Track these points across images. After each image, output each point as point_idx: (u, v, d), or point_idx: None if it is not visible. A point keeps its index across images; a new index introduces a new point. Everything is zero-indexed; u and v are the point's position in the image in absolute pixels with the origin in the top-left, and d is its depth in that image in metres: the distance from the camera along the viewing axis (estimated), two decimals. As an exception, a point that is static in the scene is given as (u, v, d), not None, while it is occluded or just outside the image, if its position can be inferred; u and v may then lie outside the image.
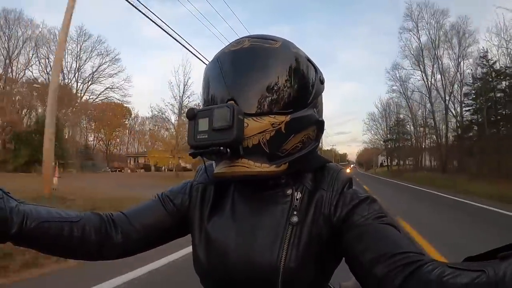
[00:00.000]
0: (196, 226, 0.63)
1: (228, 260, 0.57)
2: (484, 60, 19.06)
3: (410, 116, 31.94)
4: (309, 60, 0.61)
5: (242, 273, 0.56)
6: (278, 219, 0.57)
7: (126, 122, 48.67)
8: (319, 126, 0.61)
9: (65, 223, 0.55)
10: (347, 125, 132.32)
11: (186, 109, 0.54)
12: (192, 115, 0.54)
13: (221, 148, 0.51)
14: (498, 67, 17.40)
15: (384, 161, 51.36)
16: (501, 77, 17.36)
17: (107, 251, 0.60)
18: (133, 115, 47.75)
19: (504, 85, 17.28)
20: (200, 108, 0.56)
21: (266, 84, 0.55)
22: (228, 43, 0.63)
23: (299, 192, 0.59)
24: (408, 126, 34.35)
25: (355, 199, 0.56)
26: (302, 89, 0.58)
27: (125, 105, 42.57)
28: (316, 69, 0.62)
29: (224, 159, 0.56)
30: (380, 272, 0.45)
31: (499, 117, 17.32)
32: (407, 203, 9.70)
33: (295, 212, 0.57)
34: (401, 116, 34.91)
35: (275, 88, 0.55)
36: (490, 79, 17.85)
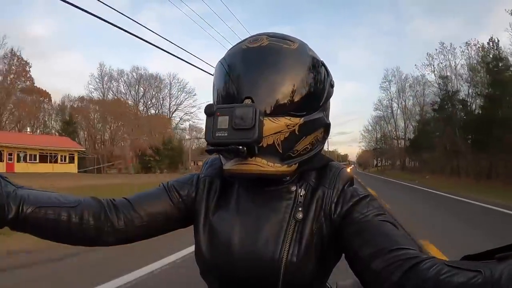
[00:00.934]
0: (200, 219, 0.63)
1: (231, 253, 0.58)
2: (419, 113, 37.14)
3: (389, 133, 49.56)
4: (323, 63, 0.62)
5: (245, 266, 0.57)
6: (282, 215, 0.58)
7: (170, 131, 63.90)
8: (326, 128, 0.62)
9: (63, 209, 0.54)
10: (348, 125, 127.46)
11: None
12: (211, 111, 0.53)
13: (240, 147, 0.51)
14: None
15: (378, 163, 68.23)
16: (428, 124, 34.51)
17: (107, 237, 0.59)
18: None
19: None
20: (219, 104, 0.55)
21: (283, 85, 0.55)
22: (244, 38, 0.62)
23: (302, 189, 0.60)
24: (390, 139, 51.57)
25: (355, 196, 0.58)
26: (316, 92, 0.59)
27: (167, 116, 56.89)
28: (328, 72, 0.63)
29: (238, 157, 0.55)
30: (378, 267, 0.45)
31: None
32: (375, 183, 22.52)
33: (300, 209, 0.58)
34: (387, 130, 50.59)
35: (292, 89, 0.56)
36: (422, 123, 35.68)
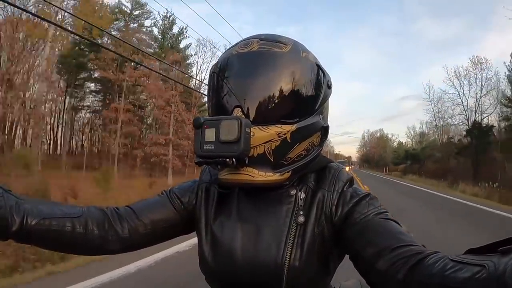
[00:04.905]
0: (202, 226, 0.63)
1: (234, 259, 0.58)
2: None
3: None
4: (317, 65, 0.60)
5: (248, 272, 0.57)
6: (283, 219, 0.58)
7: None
8: (324, 131, 0.61)
9: (67, 219, 0.55)
10: (351, 125, 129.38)
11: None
12: (199, 124, 0.53)
13: (227, 159, 0.51)
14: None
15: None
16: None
17: (111, 245, 0.60)
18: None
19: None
20: (207, 117, 0.55)
21: (273, 93, 0.54)
22: (236, 42, 0.61)
23: (302, 192, 0.59)
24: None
25: (355, 197, 0.57)
26: (310, 97, 0.58)
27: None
28: (324, 73, 0.61)
29: (228, 167, 0.55)
30: (383, 267, 0.45)
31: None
32: (360, 173, 37.32)
33: (301, 212, 0.58)
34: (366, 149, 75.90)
35: (283, 96, 0.55)
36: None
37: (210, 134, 0.52)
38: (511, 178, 14.99)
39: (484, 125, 21.05)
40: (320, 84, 0.60)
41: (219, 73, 0.59)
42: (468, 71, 23.31)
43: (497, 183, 14.23)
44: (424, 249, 0.45)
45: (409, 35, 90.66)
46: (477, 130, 20.72)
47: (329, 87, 0.62)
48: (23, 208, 0.51)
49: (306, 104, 0.58)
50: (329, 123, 0.64)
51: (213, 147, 0.52)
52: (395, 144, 58.22)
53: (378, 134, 66.60)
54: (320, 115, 0.60)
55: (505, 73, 19.73)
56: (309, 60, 0.59)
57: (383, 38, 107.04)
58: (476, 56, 21.66)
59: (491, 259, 0.34)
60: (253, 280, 0.57)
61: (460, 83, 23.75)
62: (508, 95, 19.02)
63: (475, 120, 22.11)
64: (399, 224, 0.52)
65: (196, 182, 0.69)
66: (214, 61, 0.66)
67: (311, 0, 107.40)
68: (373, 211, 0.54)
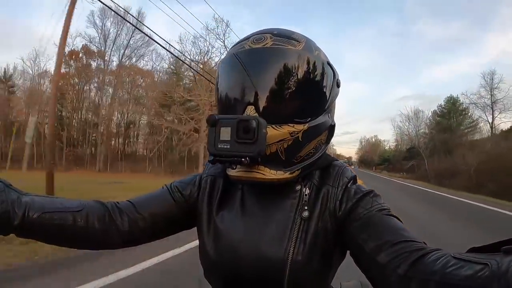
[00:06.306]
0: (204, 219, 0.63)
1: (237, 253, 0.58)
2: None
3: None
4: (328, 63, 0.60)
5: (250, 266, 0.57)
6: (287, 214, 0.58)
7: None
8: (331, 130, 0.62)
9: (68, 213, 0.55)
10: (352, 125, 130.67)
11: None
12: (213, 122, 0.53)
13: (242, 159, 0.52)
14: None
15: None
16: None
17: (112, 240, 0.60)
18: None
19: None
20: (222, 115, 0.55)
21: (288, 92, 0.55)
22: (247, 36, 0.60)
23: (307, 188, 0.60)
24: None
25: (359, 193, 0.58)
26: (321, 96, 0.58)
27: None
28: (334, 72, 0.61)
29: (241, 165, 0.56)
30: (384, 260, 0.46)
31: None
32: (358, 173, 40.85)
33: (305, 207, 0.58)
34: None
35: (297, 96, 0.55)
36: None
37: (225, 132, 0.52)
38: (420, 171, 37.46)
39: (415, 148, 43.85)
40: (331, 83, 0.60)
41: (231, 68, 0.58)
42: (412, 115, 45.46)
43: (410, 173, 37.61)
44: (425, 246, 0.46)
45: (409, 35, 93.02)
46: (412, 150, 43.62)
47: (338, 85, 0.63)
48: (24, 202, 0.51)
49: (318, 103, 0.58)
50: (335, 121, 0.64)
51: (228, 146, 0.52)
52: (386, 148, 71.34)
53: (373, 140, 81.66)
54: (329, 114, 0.61)
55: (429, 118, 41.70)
56: (321, 58, 0.59)
57: (383, 38, 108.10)
58: (418, 107, 42.95)
59: (494, 258, 0.34)
60: (255, 273, 0.57)
61: (409, 122, 46.08)
62: (426, 132, 41.64)
63: (414, 144, 44.45)
64: (401, 222, 0.53)
65: (198, 175, 0.69)
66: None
67: (311, 0, 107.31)
68: (376, 207, 0.55)
